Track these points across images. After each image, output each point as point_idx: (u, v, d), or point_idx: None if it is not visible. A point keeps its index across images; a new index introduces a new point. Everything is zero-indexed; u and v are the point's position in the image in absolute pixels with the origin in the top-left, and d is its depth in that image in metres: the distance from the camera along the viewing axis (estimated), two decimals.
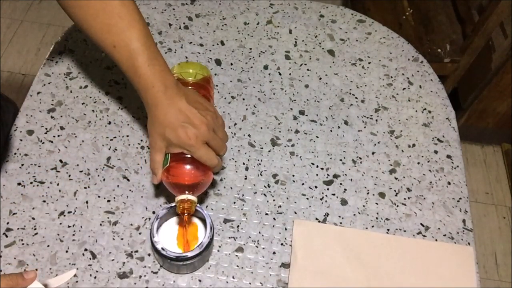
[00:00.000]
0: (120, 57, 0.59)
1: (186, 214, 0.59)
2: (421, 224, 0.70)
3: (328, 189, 0.72)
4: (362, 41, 0.91)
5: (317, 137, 0.78)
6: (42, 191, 0.68)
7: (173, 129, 0.58)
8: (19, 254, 0.62)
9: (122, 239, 0.65)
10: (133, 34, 0.58)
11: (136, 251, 0.64)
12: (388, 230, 0.69)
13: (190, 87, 0.65)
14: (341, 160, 0.75)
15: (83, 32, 0.62)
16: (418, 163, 0.76)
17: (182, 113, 0.59)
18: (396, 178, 0.74)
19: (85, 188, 0.68)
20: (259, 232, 0.67)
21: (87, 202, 0.67)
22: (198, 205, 0.61)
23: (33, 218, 0.65)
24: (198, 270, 0.63)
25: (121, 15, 0.58)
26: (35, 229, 0.64)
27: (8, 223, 0.64)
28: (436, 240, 0.69)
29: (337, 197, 0.71)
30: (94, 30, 0.59)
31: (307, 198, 0.71)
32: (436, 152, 0.78)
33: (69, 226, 0.65)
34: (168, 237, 0.62)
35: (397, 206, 0.71)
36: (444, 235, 0.69)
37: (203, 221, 0.61)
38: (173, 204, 0.61)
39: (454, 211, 0.72)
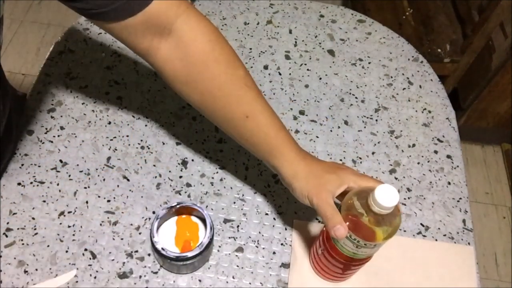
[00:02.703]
0: (254, 126, 0.57)
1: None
2: (421, 224, 0.70)
3: None
4: (362, 41, 0.91)
5: (317, 137, 0.78)
6: (42, 191, 0.68)
7: (330, 171, 0.55)
8: (19, 254, 0.62)
9: (122, 239, 0.65)
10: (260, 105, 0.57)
11: (136, 251, 0.64)
12: None
13: None
14: (341, 160, 0.75)
15: (204, 110, 0.59)
16: (418, 163, 0.76)
17: (322, 162, 0.58)
18: (396, 178, 0.74)
19: (85, 188, 0.68)
20: (259, 232, 0.67)
21: (87, 202, 0.67)
22: (197, 205, 0.61)
23: (33, 218, 0.65)
24: (198, 270, 0.63)
25: (248, 84, 0.57)
26: (35, 229, 0.64)
27: (8, 223, 0.64)
28: (436, 240, 0.69)
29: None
30: (221, 103, 0.57)
31: None
32: (436, 152, 0.78)
33: (69, 226, 0.65)
34: (168, 237, 0.62)
35: None
36: (444, 235, 0.69)
37: (203, 221, 0.61)
38: (173, 204, 0.61)
39: (454, 211, 0.72)
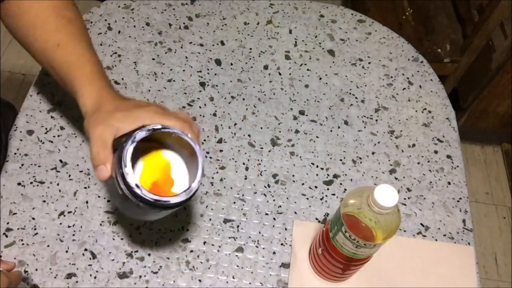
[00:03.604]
0: (63, 56, 0.55)
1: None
2: (421, 224, 0.70)
3: (328, 189, 0.72)
4: (362, 41, 0.91)
5: (317, 137, 0.78)
6: (42, 191, 0.68)
7: (125, 109, 0.48)
8: (19, 254, 0.62)
9: (122, 239, 0.65)
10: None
11: (136, 251, 0.64)
12: None
13: None
14: (341, 160, 0.75)
15: (24, 41, 0.59)
16: (418, 163, 0.76)
17: (130, 99, 0.52)
18: (396, 178, 0.74)
19: (85, 188, 0.68)
20: (259, 232, 0.67)
21: (87, 202, 0.67)
22: (185, 134, 0.47)
23: (33, 218, 0.65)
24: (198, 270, 0.63)
25: (71, 19, 0.57)
26: (35, 229, 0.64)
27: (8, 223, 0.64)
28: (436, 240, 0.69)
29: (337, 197, 0.71)
30: (40, 31, 0.56)
31: (307, 198, 0.71)
32: (436, 152, 0.78)
33: (69, 226, 0.65)
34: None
35: None
36: (444, 235, 0.69)
37: (179, 161, 0.48)
38: (156, 127, 0.46)
39: (454, 211, 0.72)
